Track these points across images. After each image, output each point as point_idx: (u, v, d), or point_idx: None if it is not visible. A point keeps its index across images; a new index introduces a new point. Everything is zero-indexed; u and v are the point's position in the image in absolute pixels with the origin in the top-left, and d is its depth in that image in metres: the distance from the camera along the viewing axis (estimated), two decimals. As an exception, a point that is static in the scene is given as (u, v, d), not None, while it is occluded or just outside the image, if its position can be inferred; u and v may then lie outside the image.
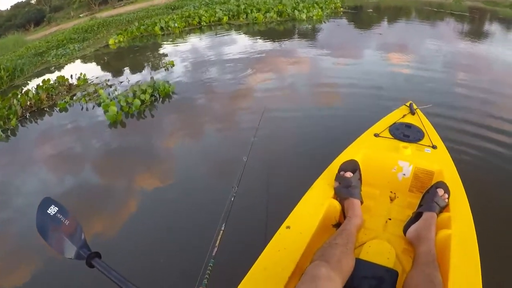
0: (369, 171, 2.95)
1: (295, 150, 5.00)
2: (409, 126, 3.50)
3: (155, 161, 5.24)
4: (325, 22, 16.67)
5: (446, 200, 2.52)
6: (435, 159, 3.04)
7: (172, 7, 31.54)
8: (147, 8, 36.66)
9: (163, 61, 10.97)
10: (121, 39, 16.01)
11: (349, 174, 2.65)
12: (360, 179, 2.74)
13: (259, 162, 4.60)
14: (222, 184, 4.26)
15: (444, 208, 2.49)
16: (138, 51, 14.08)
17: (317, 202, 2.49)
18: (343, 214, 2.53)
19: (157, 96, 7.57)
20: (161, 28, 16.64)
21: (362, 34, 14.68)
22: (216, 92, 7.86)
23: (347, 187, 2.57)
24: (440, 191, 2.53)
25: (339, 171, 2.71)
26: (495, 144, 5.24)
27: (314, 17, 16.99)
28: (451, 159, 3.12)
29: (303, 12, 17.21)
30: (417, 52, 11.45)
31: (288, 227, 2.23)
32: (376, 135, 3.36)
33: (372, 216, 2.67)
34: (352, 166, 2.74)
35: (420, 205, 2.53)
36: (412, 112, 3.81)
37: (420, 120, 3.65)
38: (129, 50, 14.44)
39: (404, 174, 3.01)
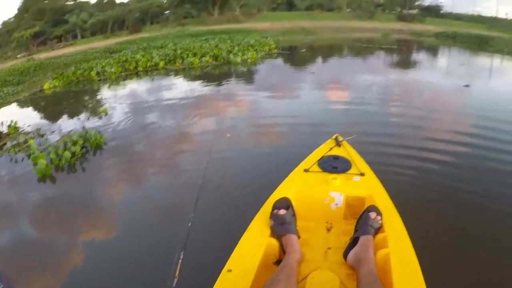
0: (302, 206, 3.01)
1: (238, 191, 5.01)
2: (336, 158, 3.65)
3: (91, 215, 5.02)
4: (259, 64, 17.10)
5: (380, 221, 2.62)
6: (364, 186, 3.18)
7: (111, 51, 31.27)
8: (85, 51, 36.08)
9: (97, 109, 10.60)
10: (57, 84, 15.52)
11: (282, 211, 2.70)
12: (294, 215, 2.78)
13: (208, 205, 4.70)
14: (171, 226, 4.29)
15: (378, 229, 2.59)
16: (74, 97, 13.73)
17: (255, 242, 2.51)
18: (282, 250, 2.55)
19: (89, 147, 7.22)
20: (98, 73, 16.30)
21: (296, 74, 15.23)
22: (155, 139, 7.72)
23: (282, 224, 2.61)
24: (373, 214, 2.63)
25: (273, 209, 2.74)
26: (419, 163, 5.71)
27: (249, 60, 17.36)
28: (379, 183, 3.28)
29: (238, 55, 17.57)
30: (349, 86, 12.18)
31: (229, 270, 2.22)
32: (306, 170, 3.45)
33: (312, 248, 2.70)
34: (285, 203, 2.79)
35: (355, 231, 2.62)
36: (338, 144, 3.98)
37: (346, 151, 3.81)
38: (64, 95, 14.03)
39: (336, 204, 3.08)
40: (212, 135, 7.46)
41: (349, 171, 3.41)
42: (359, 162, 3.59)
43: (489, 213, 4.42)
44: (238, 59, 17.17)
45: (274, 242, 2.56)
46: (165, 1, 72.57)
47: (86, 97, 13.44)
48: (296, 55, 23.16)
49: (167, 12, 71.89)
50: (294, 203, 2.88)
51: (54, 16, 63.74)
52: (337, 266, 2.51)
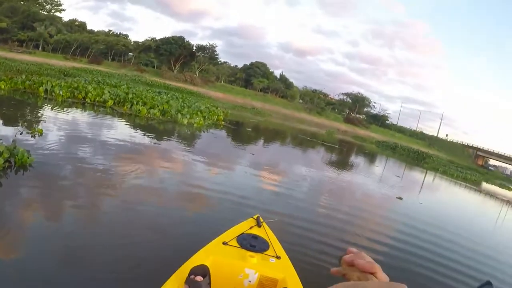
0: (217, 276, 3.04)
1: (152, 250, 4.96)
2: (255, 237, 3.71)
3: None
4: (204, 132, 17.34)
5: None
6: (279, 268, 3.25)
7: (65, 73, 30.81)
8: (41, 64, 35.41)
9: (33, 126, 10.15)
10: (3, 86, 15.12)
11: (199, 278, 2.72)
12: (209, 284, 2.81)
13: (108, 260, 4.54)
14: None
15: None
16: (15, 105, 13.37)
17: None
18: None
19: (13, 163, 6.77)
20: (46, 91, 16.05)
21: (237, 150, 15.62)
22: (81, 176, 7.44)
23: None
24: None
25: (189, 274, 2.75)
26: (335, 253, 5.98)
27: (195, 125, 17.62)
28: (293, 268, 3.36)
29: (186, 117, 17.78)
30: (284, 173, 12.73)
31: None
32: (224, 243, 3.49)
33: None
34: (203, 270, 2.83)
35: None
36: (259, 224, 4.05)
37: (265, 232, 3.89)
38: (6, 101, 13.66)
39: (249, 281, 3.14)
40: (138, 187, 7.45)
41: (266, 252, 3.47)
42: (276, 245, 3.67)
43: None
44: (185, 121, 17.41)
45: None
46: (132, 43, 72.95)
47: (27, 110, 13.09)
48: (241, 132, 23.72)
49: (130, 54, 72.01)
50: (210, 272, 2.92)
51: (24, 20, 62.39)
52: None
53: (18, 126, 10.18)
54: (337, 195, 11.75)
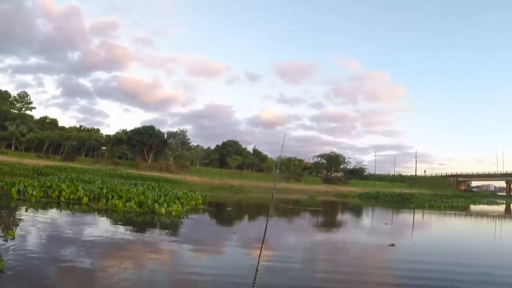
0: None
1: None
2: None
3: None
4: (184, 218, 17.01)
5: None
6: None
7: (39, 172, 30.46)
8: (14, 164, 35.04)
9: (5, 229, 9.80)
10: (-27, 191, 14.65)
11: None
12: None
13: None
14: None
15: None
16: None
17: None
18: None
19: None
20: (18, 192, 15.57)
21: (219, 232, 15.20)
22: (59, 274, 7.12)
23: None
24: None
25: None
26: None
27: (173, 212, 17.28)
28: None
29: (163, 206, 17.46)
30: (272, 245, 12.23)
31: None
32: None
33: None
34: None
35: None
36: None
37: None
38: None
39: None
40: (124, 283, 7.10)
41: None
42: None
43: None
44: (163, 210, 17.03)
45: None
46: (103, 137, 73.26)
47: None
48: (222, 213, 23.41)
49: (103, 148, 72.11)
50: None
51: (-6, 119, 62.41)
52: None
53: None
54: (330, 257, 11.59)
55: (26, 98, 76.59)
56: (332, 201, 46.22)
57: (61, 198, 16.58)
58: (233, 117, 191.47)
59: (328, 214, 29.34)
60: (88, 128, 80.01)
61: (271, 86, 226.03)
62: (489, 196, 58.61)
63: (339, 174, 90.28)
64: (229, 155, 78.76)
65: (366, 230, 18.49)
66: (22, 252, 8.11)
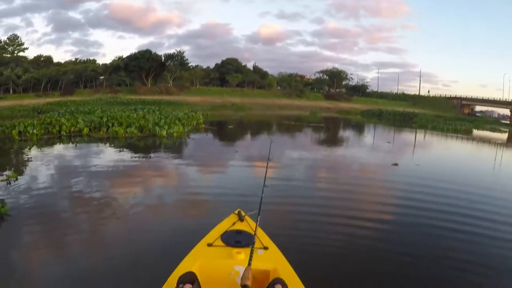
0: (208, 280, 2.97)
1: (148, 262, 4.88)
2: (239, 232, 3.65)
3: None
4: (185, 139, 17.06)
5: None
6: (268, 259, 3.22)
7: (39, 110, 30.25)
8: (13, 107, 34.73)
9: (7, 172, 9.58)
10: (-25, 139, 14.55)
11: (188, 286, 2.61)
12: None
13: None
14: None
15: None
16: None
17: None
18: None
19: None
20: (19, 133, 15.42)
21: (220, 150, 15.42)
22: (66, 207, 7.15)
23: None
24: (278, 287, 2.63)
25: (177, 284, 2.65)
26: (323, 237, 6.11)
27: (175, 134, 17.28)
28: (283, 256, 3.34)
29: (164, 128, 17.45)
30: (274, 161, 12.24)
31: None
32: (209, 244, 3.41)
33: None
34: (190, 278, 2.72)
35: None
36: (241, 219, 3.98)
37: (249, 225, 3.82)
38: None
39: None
40: (130, 205, 7.31)
41: (253, 245, 3.34)
42: (262, 236, 3.61)
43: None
44: (164, 132, 17.08)
45: None
46: (100, 66, 71.99)
47: (2, 157, 12.50)
48: (224, 131, 23.46)
49: (101, 77, 71.08)
50: (199, 277, 2.83)
51: (-12, 67, 61.25)
52: None
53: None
54: (330, 173, 11.66)
55: (17, 41, 74.27)
56: (334, 117, 45.83)
57: (62, 133, 16.51)
58: (231, 34, 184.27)
59: (330, 131, 29.13)
60: (84, 60, 78.38)
61: (268, 2, 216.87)
62: (493, 123, 57.12)
63: (341, 91, 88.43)
64: (229, 73, 77.11)
65: (368, 148, 18.37)
66: (26, 193, 7.96)
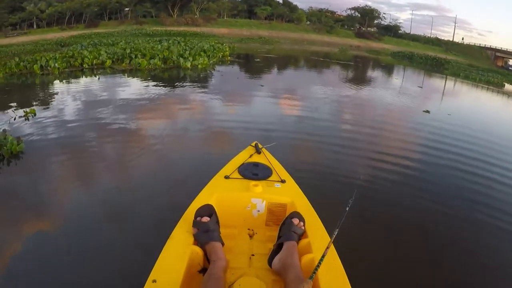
0: (225, 213, 2.94)
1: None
2: (256, 164, 3.59)
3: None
4: (210, 71, 16.58)
5: (303, 227, 2.64)
6: (285, 192, 3.17)
7: (62, 44, 29.94)
8: (37, 42, 34.47)
9: (26, 108, 8.97)
10: (-1, 75, 14.17)
11: (206, 219, 2.60)
12: (217, 222, 2.70)
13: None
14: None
15: (302, 235, 2.61)
16: (12, 91, 12.30)
17: (179, 251, 2.39)
18: (207, 259, 2.45)
19: (3, 155, 5.93)
20: (41, 67, 14.88)
21: (245, 84, 14.77)
22: (78, 151, 6.58)
23: (206, 232, 2.51)
24: (295, 221, 2.63)
25: (195, 217, 2.63)
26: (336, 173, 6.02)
27: (199, 66, 16.74)
28: (300, 190, 3.27)
29: (189, 60, 16.87)
30: (299, 97, 12.55)
31: (154, 281, 2.09)
32: (226, 177, 3.34)
33: (236, 255, 2.65)
34: (208, 210, 2.71)
35: (279, 237, 2.59)
36: (258, 151, 3.91)
37: (266, 158, 3.79)
38: (2, 89, 12.74)
39: (258, 211, 3.08)
40: (147, 139, 7.15)
41: (270, 178, 3.39)
42: (279, 169, 3.58)
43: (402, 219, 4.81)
44: (188, 64, 16.50)
45: (198, 250, 2.46)
46: (124, -2, 70.58)
47: (24, 93, 12.04)
48: (250, 64, 22.73)
49: (126, 9, 69.91)
50: (216, 210, 2.80)
51: (11, 3, 60.45)
52: (262, 272, 2.49)
53: (9, 111, 9.04)
54: (356, 114, 11.04)
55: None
56: (364, 56, 44.24)
57: (84, 65, 15.91)
58: None
59: (358, 70, 28.07)
60: (109, -9, 77.08)
61: None
62: None
63: (372, 30, 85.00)
64: (257, 6, 74.89)
65: (399, 92, 17.30)
66: (43, 128, 7.58)
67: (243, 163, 3.61)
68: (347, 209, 2.40)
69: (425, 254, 4.11)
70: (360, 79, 21.35)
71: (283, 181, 3.35)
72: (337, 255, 2.36)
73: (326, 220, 2.81)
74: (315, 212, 2.94)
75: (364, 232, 4.30)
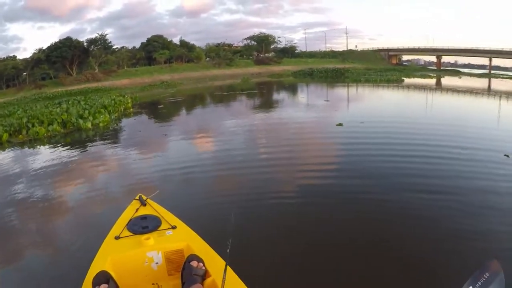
0: (123, 274, 2.87)
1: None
2: (144, 217, 3.54)
3: None
4: (112, 127, 16.27)
5: (203, 267, 2.67)
6: (179, 238, 3.19)
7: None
8: None
9: None
10: None
11: (103, 287, 2.51)
12: (116, 286, 2.63)
13: None
14: None
15: (205, 274, 2.62)
16: None
17: None
18: None
19: None
20: None
21: (148, 135, 14.41)
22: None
23: None
24: (194, 263, 2.66)
25: (93, 287, 2.54)
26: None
27: (101, 124, 16.40)
28: (193, 231, 3.33)
29: (89, 120, 16.49)
30: (210, 135, 12.80)
31: None
32: (117, 237, 3.26)
33: None
34: (103, 277, 2.61)
35: (183, 283, 2.56)
36: (143, 203, 3.88)
37: (153, 209, 3.75)
38: None
39: (157, 263, 3.03)
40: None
41: (160, 228, 3.36)
42: (168, 217, 3.56)
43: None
44: (89, 124, 16.06)
45: None
46: (20, 63, 67.71)
47: None
48: (154, 113, 22.59)
49: (24, 73, 67.02)
50: (113, 274, 2.72)
51: None
52: None
53: None
54: (267, 136, 11.44)
55: None
56: (266, 81, 45.79)
57: (-21, 143, 14.82)
58: (154, 11, 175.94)
59: (264, 95, 28.93)
60: (3, 58, 73.34)
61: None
62: (421, 70, 59.51)
63: (270, 54, 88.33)
64: (156, 51, 75.00)
65: (309, 109, 18.11)
66: None
67: (130, 219, 3.56)
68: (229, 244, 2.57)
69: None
70: (267, 104, 22.09)
71: (173, 227, 3.35)
72: (236, 275, 2.47)
73: (226, 255, 2.85)
74: (212, 250, 3.00)
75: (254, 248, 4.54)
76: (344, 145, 9.99)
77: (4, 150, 13.69)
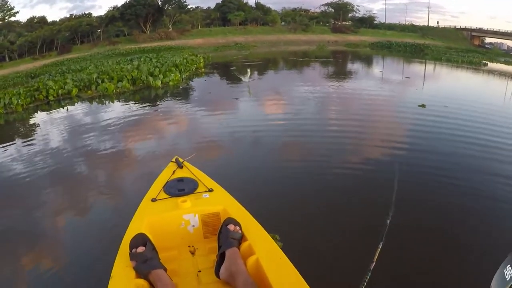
0: (160, 237, 2.87)
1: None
2: (181, 180, 3.53)
3: None
4: (182, 87, 15.97)
5: (240, 231, 2.65)
6: (215, 201, 3.16)
7: (32, 75, 29.01)
8: (7, 76, 33.51)
9: None
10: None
11: (141, 249, 2.51)
12: (154, 248, 2.59)
13: None
14: None
15: (241, 239, 2.60)
16: None
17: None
18: None
19: None
20: (4, 106, 13.60)
21: (218, 97, 13.93)
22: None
23: (144, 262, 2.40)
24: (231, 226, 2.65)
25: (130, 249, 2.52)
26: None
27: (171, 82, 16.07)
28: (229, 195, 3.25)
29: (159, 78, 16.20)
30: (282, 100, 12.62)
31: None
32: (153, 199, 3.24)
33: (182, 277, 2.58)
34: (141, 239, 2.60)
35: (219, 246, 2.58)
36: (180, 166, 3.84)
37: (190, 171, 3.72)
38: None
39: (193, 226, 3.03)
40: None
41: (197, 190, 3.34)
42: (205, 180, 3.55)
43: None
44: (159, 83, 15.80)
45: (142, 283, 2.33)
46: (95, 20, 69.80)
47: None
48: (226, 74, 22.03)
49: (98, 30, 69.22)
50: (150, 236, 2.71)
51: (-21, 36, 59.74)
52: (213, 286, 2.47)
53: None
54: (355, 119, 10.28)
55: (6, 6, 71.69)
56: (342, 50, 44.24)
57: (49, 98, 14.96)
58: None
59: (338, 65, 27.69)
60: (78, 15, 76.12)
61: None
62: (504, 55, 54.07)
63: (348, 23, 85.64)
64: (230, 12, 74.93)
65: (389, 84, 16.71)
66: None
67: (167, 181, 3.52)
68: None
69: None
70: (343, 76, 20.76)
71: (210, 190, 3.32)
72: (284, 254, 2.35)
73: (263, 221, 2.81)
74: (249, 214, 2.95)
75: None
76: (428, 128, 9.04)
77: (73, 105, 13.91)
